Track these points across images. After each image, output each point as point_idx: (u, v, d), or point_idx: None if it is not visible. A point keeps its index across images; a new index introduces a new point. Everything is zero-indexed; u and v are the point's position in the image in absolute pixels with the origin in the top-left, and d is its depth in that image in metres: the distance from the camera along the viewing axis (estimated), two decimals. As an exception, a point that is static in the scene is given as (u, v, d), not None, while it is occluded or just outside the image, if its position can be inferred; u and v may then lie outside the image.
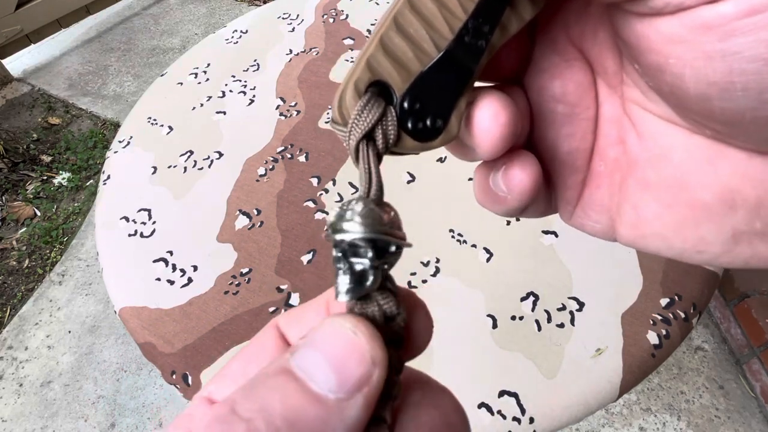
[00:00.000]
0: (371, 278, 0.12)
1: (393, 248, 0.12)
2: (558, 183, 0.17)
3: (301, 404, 0.10)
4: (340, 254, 0.12)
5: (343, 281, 0.12)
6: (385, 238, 0.12)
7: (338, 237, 0.12)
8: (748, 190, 0.13)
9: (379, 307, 0.12)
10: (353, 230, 0.12)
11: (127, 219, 0.59)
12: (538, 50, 0.16)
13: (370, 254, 0.12)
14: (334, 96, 0.13)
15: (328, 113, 0.67)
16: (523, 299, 0.46)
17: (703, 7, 0.10)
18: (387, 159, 0.14)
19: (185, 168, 0.63)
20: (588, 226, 0.17)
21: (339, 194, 0.57)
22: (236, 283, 0.51)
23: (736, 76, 0.10)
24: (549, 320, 0.45)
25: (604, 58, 0.15)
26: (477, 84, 0.15)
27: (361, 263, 0.12)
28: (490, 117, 0.14)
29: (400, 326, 0.12)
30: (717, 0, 0.10)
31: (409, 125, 0.13)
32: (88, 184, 1.56)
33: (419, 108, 0.13)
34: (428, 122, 0.14)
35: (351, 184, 0.58)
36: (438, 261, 0.50)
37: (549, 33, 0.16)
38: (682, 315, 0.44)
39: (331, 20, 0.81)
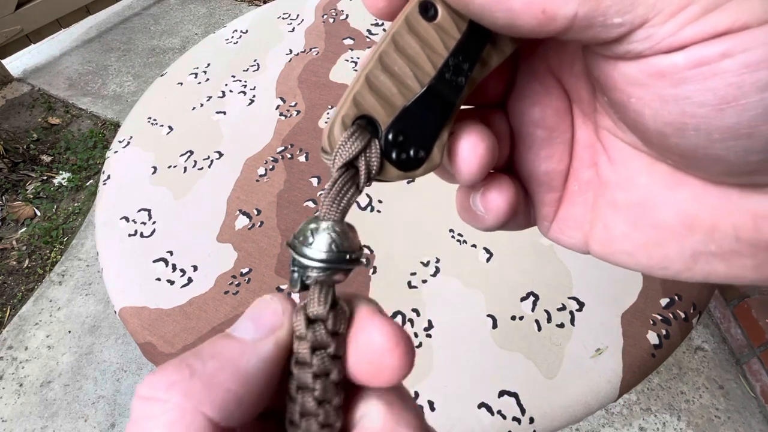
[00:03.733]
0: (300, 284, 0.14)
1: (339, 275, 0.14)
2: (536, 200, 0.18)
3: (223, 345, 0.12)
4: (296, 267, 0.14)
5: (295, 281, 0.14)
6: (333, 267, 0.14)
7: (298, 258, 0.14)
8: (704, 215, 0.14)
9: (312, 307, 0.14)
10: (311, 256, 0.14)
11: (127, 219, 0.59)
12: (520, 78, 0.17)
13: (318, 274, 0.14)
14: (324, 128, 0.14)
15: (328, 113, 0.67)
16: (523, 299, 0.46)
17: (659, 56, 0.12)
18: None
19: (185, 168, 0.63)
20: (563, 240, 0.18)
21: (339, 194, 0.57)
22: (236, 283, 0.51)
23: (688, 117, 0.12)
24: (549, 320, 0.45)
25: (580, 88, 0.16)
26: (462, 107, 0.16)
27: (308, 278, 0.14)
28: (469, 148, 0.15)
29: (326, 330, 0.13)
30: (671, 51, 0.11)
31: (393, 156, 0.14)
32: (88, 184, 1.56)
33: (403, 140, 0.14)
34: (411, 153, 0.15)
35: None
36: (438, 261, 0.50)
37: (530, 63, 0.17)
38: (682, 315, 0.44)
39: (331, 20, 0.81)
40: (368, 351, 0.13)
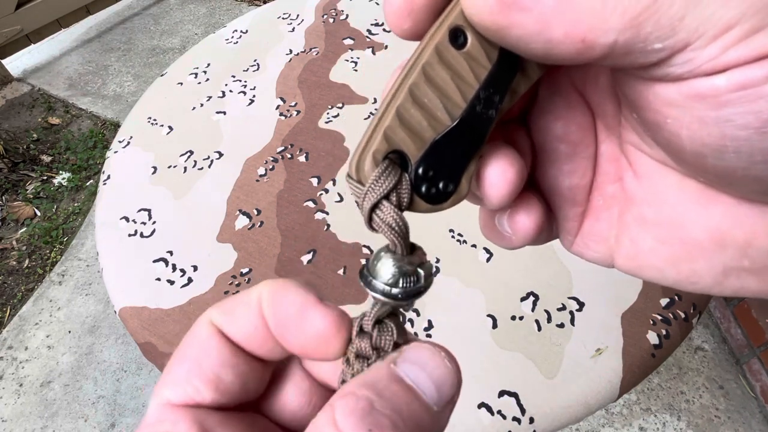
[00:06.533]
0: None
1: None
2: (559, 215, 0.18)
3: (418, 410, 0.12)
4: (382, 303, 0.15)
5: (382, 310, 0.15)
6: (418, 296, 0.15)
7: (382, 299, 0.14)
8: (737, 232, 0.14)
9: (370, 341, 0.14)
10: (398, 296, 0.14)
11: (127, 219, 0.59)
12: (542, 93, 0.17)
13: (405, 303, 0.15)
14: (353, 155, 0.14)
15: (328, 113, 0.67)
16: (523, 299, 0.46)
17: (700, 79, 0.11)
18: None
19: (185, 168, 0.63)
20: (587, 254, 0.18)
21: (339, 194, 0.57)
22: (236, 283, 0.51)
23: (729, 140, 0.11)
24: (549, 320, 0.45)
25: (604, 102, 0.16)
26: None
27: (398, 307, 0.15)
28: (498, 174, 0.15)
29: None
30: (712, 74, 0.11)
31: (423, 190, 0.14)
32: (88, 184, 1.56)
33: (432, 174, 0.14)
34: (440, 186, 0.14)
35: (351, 184, 0.58)
36: (438, 261, 0.50)
37: (553, 78, 0.17)
38: (682, 315, 0.44)
39: (331, 20, 0.81)
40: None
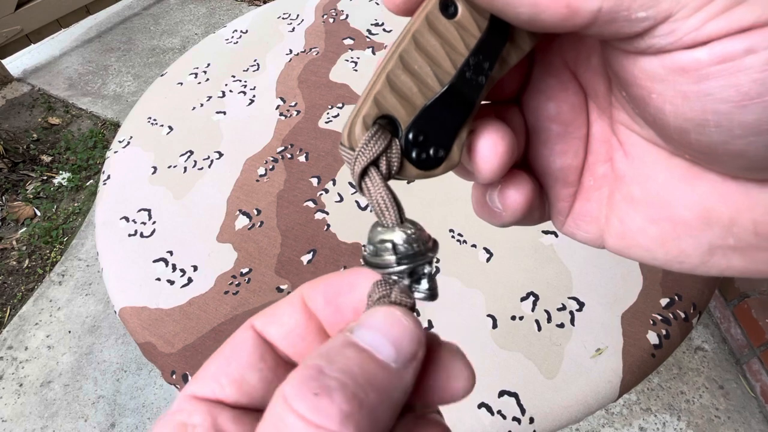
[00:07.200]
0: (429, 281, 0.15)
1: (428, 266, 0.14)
2: (551, 195, 0.18)
3: (373, 369, 0.12)
4: (395, 277, 0.14)
5: (423, 286, 0.14)
6: (428, 258, 0.14)
7: (388, 271, 0.14)
8: (722, 209, 0.14)
9: (401, 299, 0.14)
10: (402, 264, 0.14)
11: (127, 219, 0.59)
12: (535, 73, 0.17)
13: (428, 268, 0.14)
14: (345, 124, 0.14)
15: (328, 113, 0.67)
16: (523, 299, 0.46)
17: (682, 51, 0.12)
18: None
19: (185, 168, 0.63)
20: (579, 235, 0.18)
21: (339, 194, 0.57)
22: (236, 283, 0.51)
23: (710, 114, 0.12)
24: (549, 320, 0.45)
25: (596, 82, 0.16)
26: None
27: (425, 272, 0.14)
28: (489, 147, 0.15)
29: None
30: (694, 46, 0.11)
31: (414, 155, 0.15)
32: (88, 184, 1.56)
33: (423, 139, 0.15)
34: (431, 152, 0.15)
35: (351, 184, 0.58)
36: (438, 261, 0.50)
37: (546, 58, 0.17)
38: (682, 315, 0.44)
39: (331, 20, 0.81)
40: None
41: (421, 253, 0.14)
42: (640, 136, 0.16)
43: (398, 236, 0.14)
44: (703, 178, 0.14)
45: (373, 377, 0.12)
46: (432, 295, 0.14)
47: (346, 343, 0.12)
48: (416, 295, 0.14)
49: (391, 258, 0.14)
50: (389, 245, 0.14)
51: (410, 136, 0.14)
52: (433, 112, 0.14)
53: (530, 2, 0.12)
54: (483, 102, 0.18)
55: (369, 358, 0.12)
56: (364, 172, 0.14)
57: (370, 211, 0.54)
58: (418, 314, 0.46)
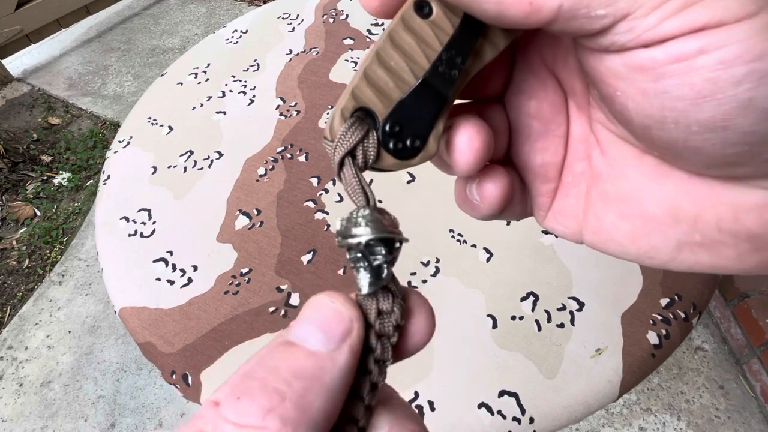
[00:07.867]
0: (386, 271, 0.14)
1: (398, 244, 0.14)
2: (532, 190, 0.19)
3: (300, 360, 0.12)
4: (359, 255, 0.14)
5: (365, 277, 0.14)
6: (392, 236, 0.14)
7: (354, 240, 0.14)
8: (688, 206, 0.15)
9: (376, 304, 0.14)
10: (365, 234, 0.14)
11: (127, 219, 0.59)
12: (517, 72, 0.18)
13: (383, 251, 0.14)
14: (328, 120, 0.15)
15: (328, 113, 0.67)
16: (523, 299, 0.46)
17: (641, 50, 0.12)
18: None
19: (185, 168, 0.63)
20: (558, 230, 0.19)
21: (339, 194, 0.57)
22: (236, 283, 0.51)
23: (668, 111, 0.12)
24: (549, 320, 0.45)
25: (574, 81, 0.17)
26: (461, 101, 0.17)
27: (377, 259, 0.14)
28: (465, 141, 0.16)
29: (392, 323, 0.14)
30: (651, 45, 0.12)
31: (390, 145, 0.15)
32: (88, 184, 1.56)
33: (399, 130, 0.15)
34: (407, 142, 0.16)
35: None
36: (438, 261, 0.50)
37: (527, 57, 0.18)
38: (682, 315, 0.44)
39: (331, 20, 0.81)
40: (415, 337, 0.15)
41: (378, 231, 0.14)
42: (615, 134, 0.16)
43: (359, 213, 0.15)
44: (670, 176, 0.15)
45: (299, 368, 0.12)
46: (374, 282, 0.14)
47: (278, 342, 0.13)
48: (361, 282, 0.14)
49: (345, 230, 0.14)
50: (345, 221, 0.15)
51: (387, 127, 0.15)
52: (408, 104, 0.15)
53: (496, 0, 0.13)
54: (467, 101, 0.19)
55: (295, 350, 0.13)
56: (342, 162, 0.15)
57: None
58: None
